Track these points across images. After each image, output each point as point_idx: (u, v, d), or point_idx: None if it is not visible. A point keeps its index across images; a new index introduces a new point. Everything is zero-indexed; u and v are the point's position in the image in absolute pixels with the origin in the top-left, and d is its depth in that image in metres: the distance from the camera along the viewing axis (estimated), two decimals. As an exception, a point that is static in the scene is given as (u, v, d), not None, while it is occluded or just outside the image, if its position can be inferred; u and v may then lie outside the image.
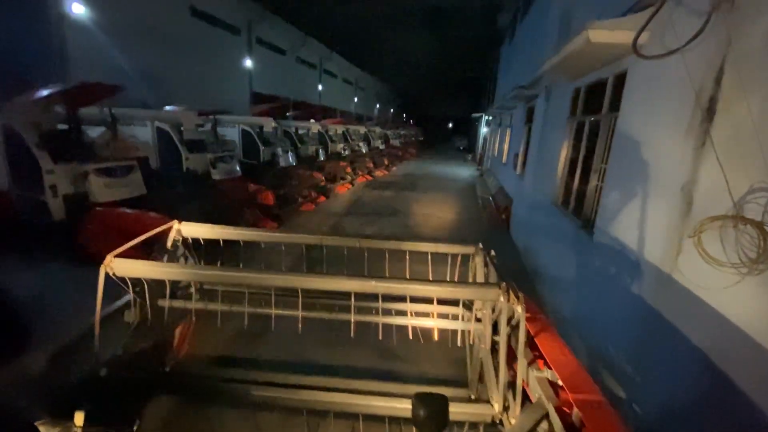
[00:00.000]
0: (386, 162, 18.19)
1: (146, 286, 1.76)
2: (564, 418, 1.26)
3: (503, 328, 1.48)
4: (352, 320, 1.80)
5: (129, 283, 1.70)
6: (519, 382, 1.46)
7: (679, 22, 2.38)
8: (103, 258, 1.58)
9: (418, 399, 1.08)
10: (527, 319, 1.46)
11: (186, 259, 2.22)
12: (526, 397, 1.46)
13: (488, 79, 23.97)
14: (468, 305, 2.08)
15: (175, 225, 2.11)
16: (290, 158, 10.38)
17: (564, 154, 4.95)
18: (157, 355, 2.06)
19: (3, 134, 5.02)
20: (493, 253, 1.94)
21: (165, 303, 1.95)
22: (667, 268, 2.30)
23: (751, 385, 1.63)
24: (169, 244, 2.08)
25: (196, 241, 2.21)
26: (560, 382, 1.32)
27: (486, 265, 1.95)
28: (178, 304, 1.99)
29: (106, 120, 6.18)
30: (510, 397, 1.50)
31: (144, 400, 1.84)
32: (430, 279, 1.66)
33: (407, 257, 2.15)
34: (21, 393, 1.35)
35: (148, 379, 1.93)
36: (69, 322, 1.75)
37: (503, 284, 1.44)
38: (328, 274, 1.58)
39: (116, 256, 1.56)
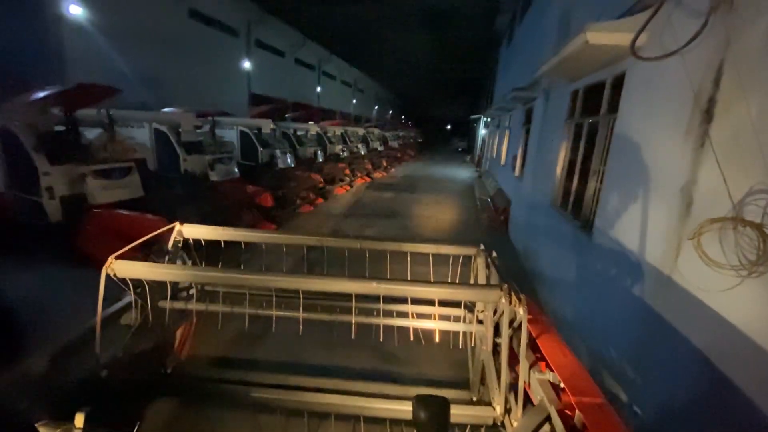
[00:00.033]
0: (385, 163, 18.20)
1: (147, 288, 1.76)
2: (566, 420, 1.26)
3: (505, 330, 1.47)
4: (353, 322, 1.79)
5: (130, 285, 1.70)
6: (521, 384, 1.45)
7: (677, 24, 2.39)
8: (100, 260, 1.58)
9: (419, 401, 1.07)
10: (529, 321, 1.46)
11: (184, 261, 2.21)
12: (527, 400, 1.46)
13: (487, 80, 24.08)
14: (469, 307, 2.07)
15: (177, 226, 2.11)
16: (288, 160, 10.37)
17: (562, 155, 4.96)
18: (157, 357, 2.06)
19: (0, 136, 4.99)
20: (494, 254, 1.94)
21: (166, 304, 1.95)
22: (667, 269, 2.30)
23: (752, 387, 1.62)
24: (170, 245, 2.08)
25: (196, 242, 2.20)
26: (562, 385, 1.32)
27: (488, 266, 1.95)
28: (179, 305, 1.99)
29: (103, 122, 6.16)
30: (512, 399, 1.49)
31: (145, 402, 1.84)
32: (432, 280, 1.65)
33: (408, 258, 2.14)
34: (21, 394, 1.34)
35: (149, 381, 1.93)
36: (66, 324, 1.74)
37: (505, 286, 1.43)
38: (329, 276, 1.57)
39: (117, 257, 1.56)
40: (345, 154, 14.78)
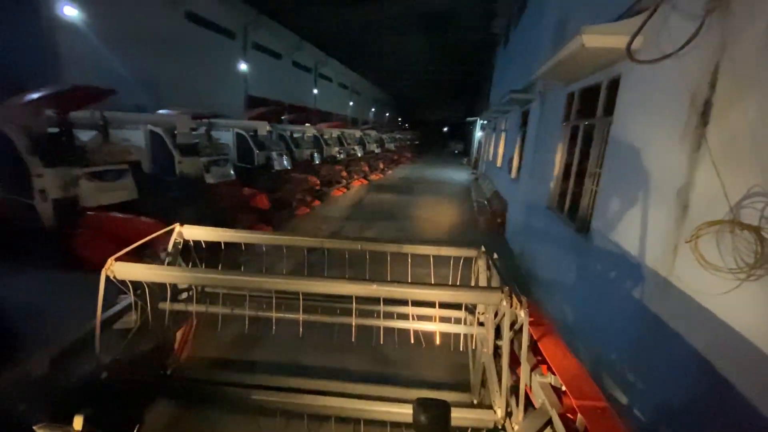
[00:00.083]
0: (382, 166, 18.21)
1: (147, 290, 1.74)
2: (567, 424, 1.24)
3: (506, 333, 1.46)
4: (354, 324, 1.78)
5: (130, 287, 1.69)
6: (522, 387, 1.44)
7: (673, 27, 2.41)
8: (94, 263, 1.56)
9: (419, 405, 1.07)
10: (530, 323, 1.45)
11: (179, 263, 2.19)
12: (529, 403, 1.45)
13: (484, 83, 24.21)
14: (470, 309, 2.06)
15: (177, 228, 2.10)
16: (285, 162, 10.34)
17: (559, 158, 4.98)
18: (158, 359, 2.05)
19: (-8, 137, 4.92)
20: (495, 256, 1.93)
21: (166, 306, 1.94)
22: (664, 272, 2.30)
23: (754, 390, 1.62)
24: (170, 246, 2.07)
25: (196, 244, 2.19)
26: (564, 388, 1.31)
27: (488, 268, 1.94)
28: (179, 307, 1.97)
29: (97, 123, 6.10)
30: (513, 402, 1.48)
31: (144, 404, 1.83)
32: (432, 283, 1.64)
33: (409, 260, 2.14)
34: (19, 396, 1.32)
35: (149, 383, 1.92)
36: (58, 329, 1.72)
37: (506, 288, 1.43)
38: (329, 278, 1.56)
39: (116, 259, 1.54)
40: (342, 156, 14.77)
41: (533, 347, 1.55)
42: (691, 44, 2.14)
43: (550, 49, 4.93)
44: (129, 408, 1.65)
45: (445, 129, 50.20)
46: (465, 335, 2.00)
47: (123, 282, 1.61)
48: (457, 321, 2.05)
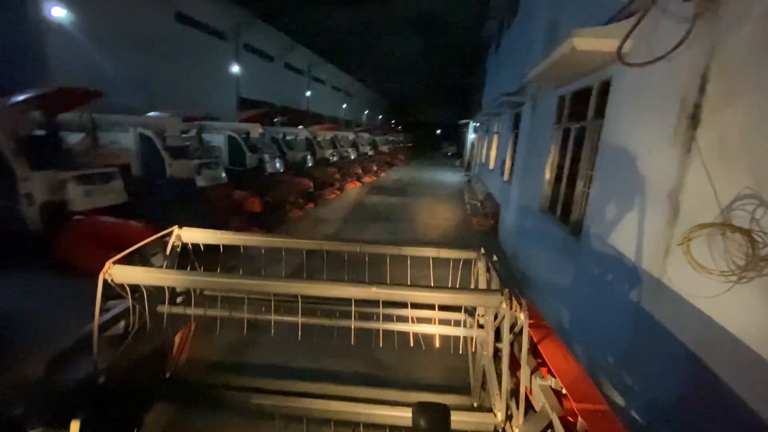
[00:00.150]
0: (375, 168, 18.22)
1: (145, 293, 1.71)
2: (568, 428, 1.24)
3: (506, 335, 1.45)
4: (353, 327, 1.76)
5: (127, 290, 1.66)
6: (522, 390, 1.43)
7: (663, 30, 2.45)
8: (81, 268, 1.53)
9: (419, 408, 1.07)
10: (530, 326, 1.45)
11: (175, 266, 2.16)
12: (529, 406, 1.44)
13: (476, 85, 24.41)
14: (470, 311, 2.06)
15: (175, 230, 2.06)
16: (277, 164, 10.27)
17: (550, 160, 5.03)
18: (156, 362, 2.03)
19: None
20: (495, 258, 1.93)
21: (164, 309, 1.91)
22: (656, 274, 2.33)
23: (748, 390, 1.64)
24: (168, 249, 2.03)
25: (194, 247, 2.16)
26: (564, 391, 1.30)
27: (488, 270, 1.94)
28: (177, 310, 1.95)
29: (86, 126, 5.98)
30: (513, 405, 1.47)
31: (143, 408, 1.80)
32: (432, 285, 1.63)
33: (408, 262, 2.13)
34: (14, 401, 1.28)
35: (148, 387, 1.89)
36: (46, 335, 1.68)
37: (506, 290, 1.42)
38: (328, 280, 1.54)
39: (115, 262, 1.51)
40: (335, 158, 14.75)
41: (533, 350, 1.55)
42: (680, 48, 2.18)
43: (542, 52, 4.99)
44: (127, 412, 1.62)
45: (438, 131, 50.48)
46: (465, 338, 1.99)
47: (121, 285, 1.57)
48: (457, 323, 2.05)
